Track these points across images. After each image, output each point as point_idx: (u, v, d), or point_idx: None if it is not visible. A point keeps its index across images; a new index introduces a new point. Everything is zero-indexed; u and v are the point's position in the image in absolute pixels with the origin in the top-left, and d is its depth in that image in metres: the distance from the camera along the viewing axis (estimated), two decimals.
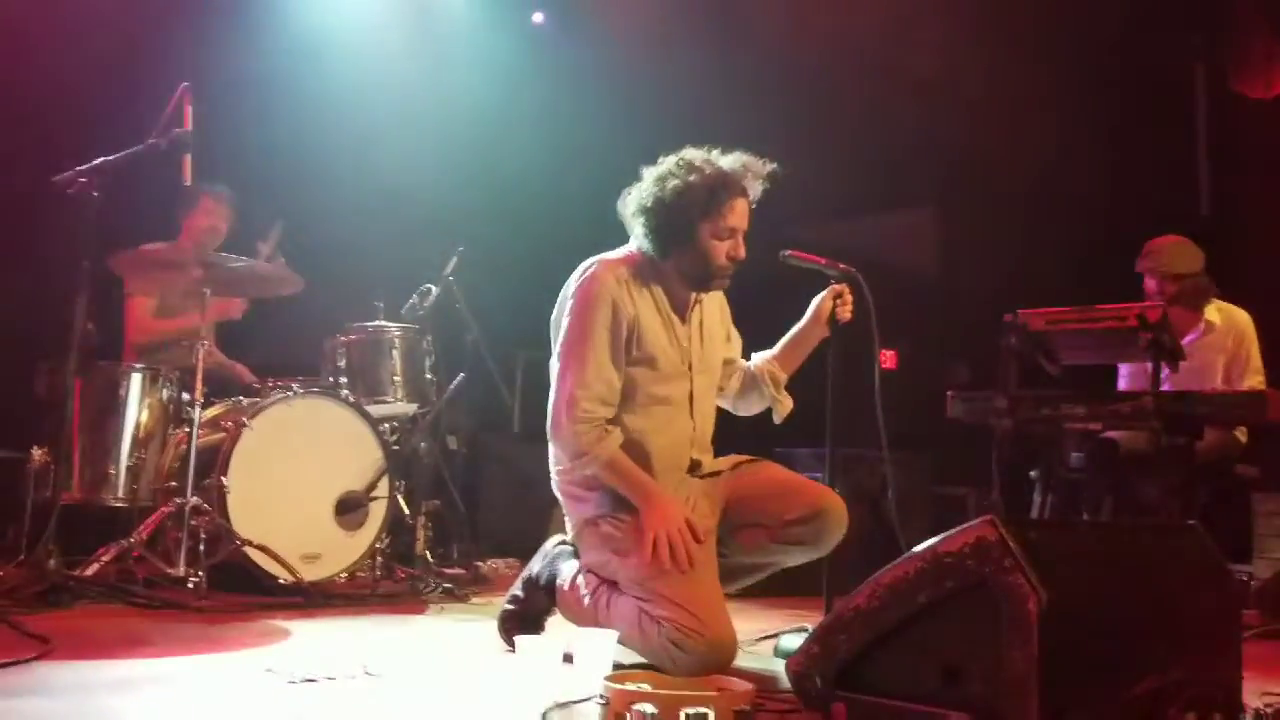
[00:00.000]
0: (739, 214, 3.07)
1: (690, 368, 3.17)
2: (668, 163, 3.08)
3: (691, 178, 3.02)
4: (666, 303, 3.14)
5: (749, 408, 3.41)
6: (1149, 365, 3.96)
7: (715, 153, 3.08)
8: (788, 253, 3.22)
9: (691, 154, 3.07)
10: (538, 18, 6.84)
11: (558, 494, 3.21)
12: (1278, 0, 5.88)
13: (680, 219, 3.02)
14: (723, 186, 3.03)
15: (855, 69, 6.49)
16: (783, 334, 3.37)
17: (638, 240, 3.12)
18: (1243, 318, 4.67)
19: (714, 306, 3.30)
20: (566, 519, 3.20)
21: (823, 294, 3.27)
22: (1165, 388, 4.05)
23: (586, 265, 3.15)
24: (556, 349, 3.11)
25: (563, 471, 3.14)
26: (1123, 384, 4.85)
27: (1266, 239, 5.70)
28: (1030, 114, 6.03)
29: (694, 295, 3.19)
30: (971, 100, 6.15)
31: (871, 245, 6.22)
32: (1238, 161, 6.08)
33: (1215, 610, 2.41)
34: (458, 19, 7.25)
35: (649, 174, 3.09)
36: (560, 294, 3.19)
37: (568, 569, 3.14)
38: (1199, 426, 3.92)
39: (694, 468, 3.21)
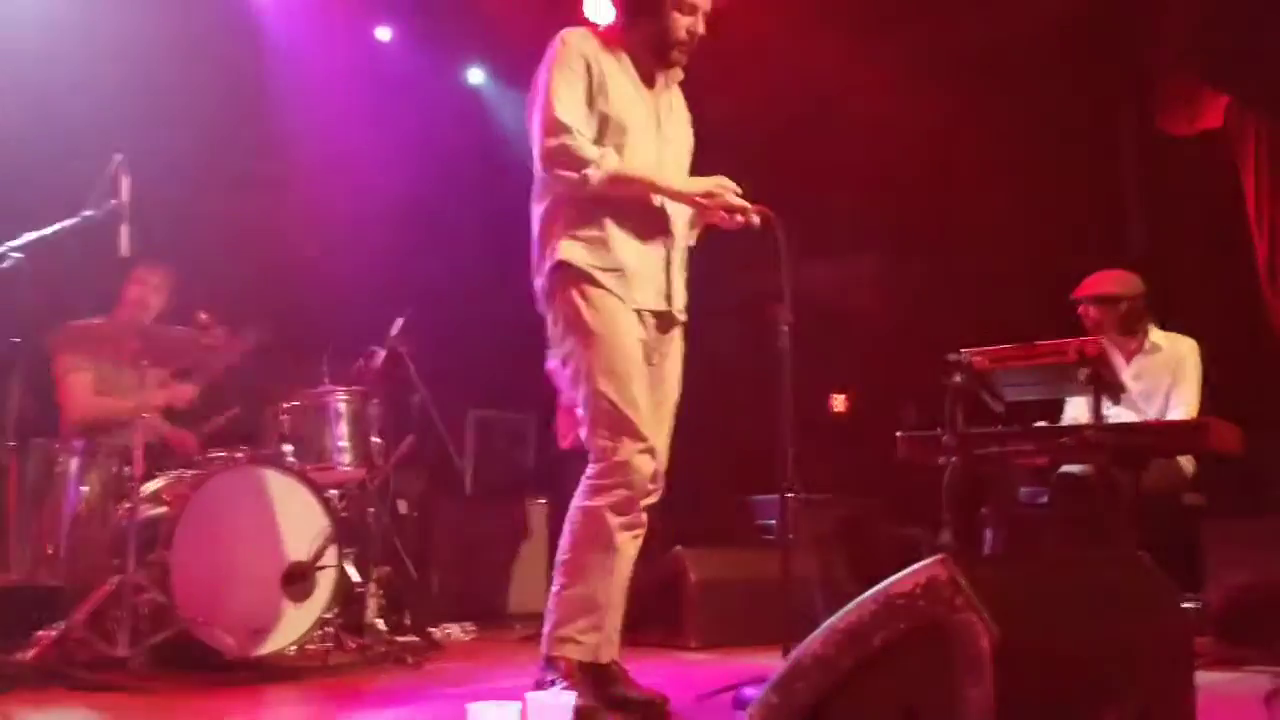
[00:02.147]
0: None
1: (656, 132, 3.25)
2: None
3: None
4: (633, 69, 3.25)
5: None
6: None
7: None
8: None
9: None
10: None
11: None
12: (1196, 40, 6.05)
13: None
14: None
15: (796, 116, 6.60)
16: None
17: (607, 16, 3.20)
18: (1187, 343, 4.75)
19: (681, 105, 3.41)
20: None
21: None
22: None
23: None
24: (535, 104, 3.17)
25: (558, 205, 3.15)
26: (1068, 417, 4.90)
27: (1196, 276, 5.83)
28: (966, 157, 6.15)
29: (659, 74, 3.29)
30: (910, 146, 6.26)
31: (819, 291, 6.28)
32: (1167, 199, 6.22)
33: (1168, 639, 2.42)
34: (401, 81, 7.29)
35: None
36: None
37: None
38: (1143, 457, 3.96)
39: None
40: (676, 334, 3.33)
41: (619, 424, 3.06)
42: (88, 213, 3.92)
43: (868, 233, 6.95)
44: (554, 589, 3.13)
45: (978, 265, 6.17)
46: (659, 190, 3.16)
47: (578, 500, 3.11)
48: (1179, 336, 4.77)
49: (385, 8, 7.19)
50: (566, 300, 3.12)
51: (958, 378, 4.16)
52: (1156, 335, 4.74)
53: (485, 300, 6.78)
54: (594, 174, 3.05)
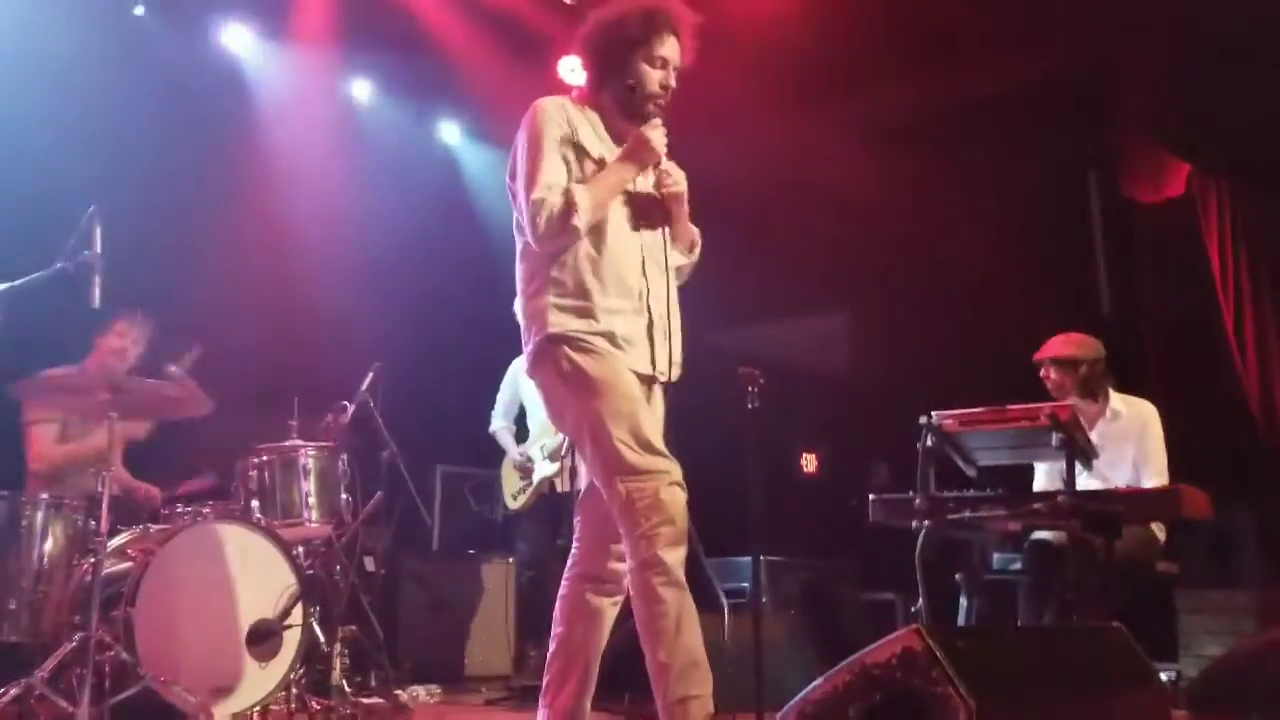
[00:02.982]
0: (670, 47, 3.20)
1: (635, 188, 3.21)
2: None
3: (629, 6, 3.19)
4: (605, 132, 3.24)
5: None
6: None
7: None
8: None
9: None
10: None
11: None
12: (1159, 107, 6.18)
13: (617, 44, 3.19)
14: (658, 17, 3.19)
15: (765, 179, 6.67)
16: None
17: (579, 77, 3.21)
18: (1147, 408, 4.78)
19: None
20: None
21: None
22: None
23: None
24: (514, 176, 3.17)
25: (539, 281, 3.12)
26: (1040, 483, 4.92)
27: (1165, 337, 5.91)
28: (939, 219, 6.23)
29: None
30: (883, 207, 6.34)
31: (787, 350, 6.32)
32: (1134, 262, 6.32)
33: (1144, 711, 2.41)
34: (373, 134, 7.33)
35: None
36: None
37: None
38: (1115, 524, 3.97)
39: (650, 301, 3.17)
40: (657, 394, 3.27)
41: (638, 465, 2.97)
42: (60, 264, 3.89)
43: (839, 293, 7.00)
44: (652, 659, 2.96)
45: (949, 326, 6.22)
46: (616, 175, 3.13)
47: (631, 563, 2.97)
48: (1138, 400, 4.79)
49: (362, 64, 7.22)
50: (560, 363, 3.08)
51: (929, 440, 4.17)
52: (1116, 400, 4.77)
53: (454, 356, 6.77)
54: (580, 219, 3.03)
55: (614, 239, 3.13)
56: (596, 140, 3.20)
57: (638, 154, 3.14)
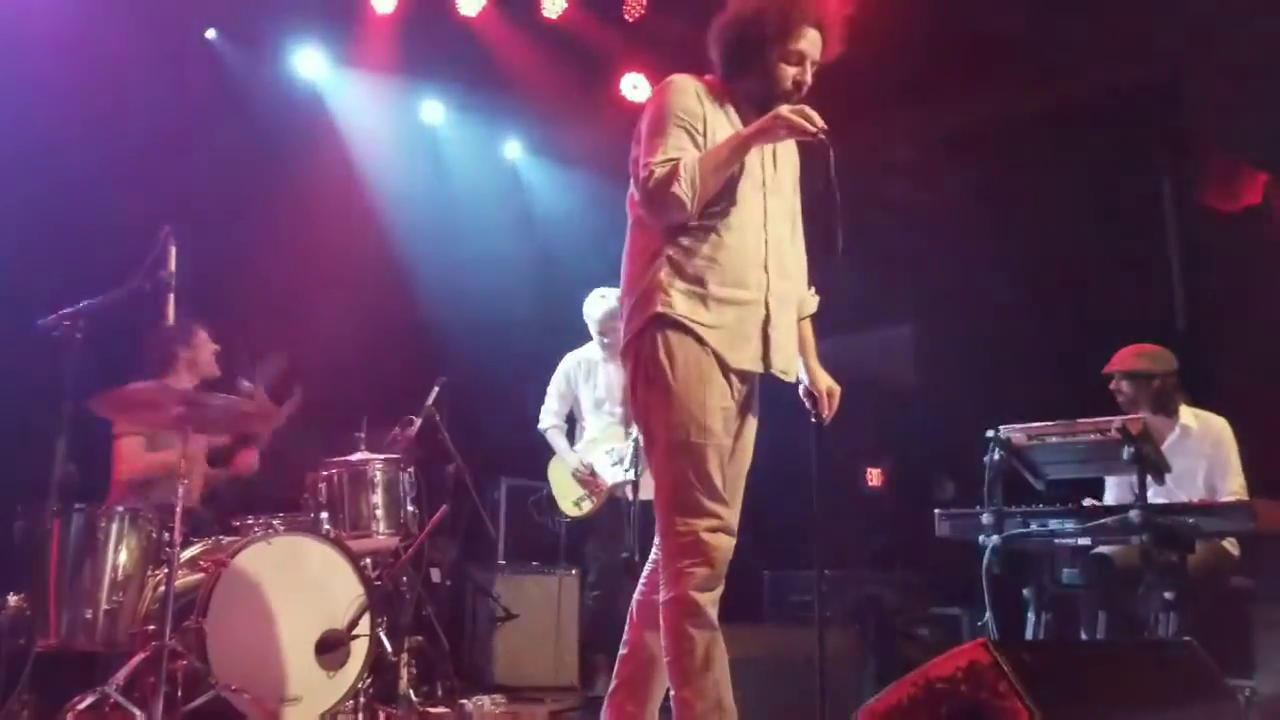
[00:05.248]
0: (810, 41, 3.07)
1: (763, 183, 3.10)
2: None
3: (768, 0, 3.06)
4: (739, 121, 3.10)
5: None
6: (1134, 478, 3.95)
7: None
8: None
9: None
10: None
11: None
12: (1236, 115, 6.06)
13: (752, 38, 3.06)
14: (795, 11, 3.05)
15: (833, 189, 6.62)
16: None
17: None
18: (1219, 423, 4.67)
19: (788, 150, 3.24)
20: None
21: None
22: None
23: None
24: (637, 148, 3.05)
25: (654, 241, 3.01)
26: (1110, 496, 4.83)
27: (1240, 349, 5.76)
28: (1010, 229, 6.15)
29: None
30: (953, 218, 6.27)
31: (854, 363, 6.27)
32: (1209, 273, 6.18)
33: None
34: (440, 153, 7.43)
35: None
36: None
37: None
38: (1188, 539, 3.88)
39: (770, 299, 3.06)
40: (754, 392, 3.15)
41: (692, 501, 2.90)
42: (136, 282, 4.00)
43: (906, 305, 6.94)
44: (676, 694, 2.91)
45: (1017, 338, 6.14)
46: (730, 147, 2.97)
47: (664, 595, 2.93)
48: (1209, 415, 4.69)
49: (430, 85, 7.32)
50: (654, 354, 2.94)
51: (997, 454, 4.12)
52: (1186, 415, 4.66)
53: (517, 370, 6.83)
54: (682, 188, 2.90)
55: (740, 229, 3.03)
56: (728, 125, 3.08)
57: (766, 129, 2.95)
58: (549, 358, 5.78)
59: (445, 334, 6.68)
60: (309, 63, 6.83)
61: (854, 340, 6.75)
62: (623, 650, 3.15)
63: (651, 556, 3.13)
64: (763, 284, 3.05)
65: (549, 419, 5.67)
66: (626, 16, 6.57)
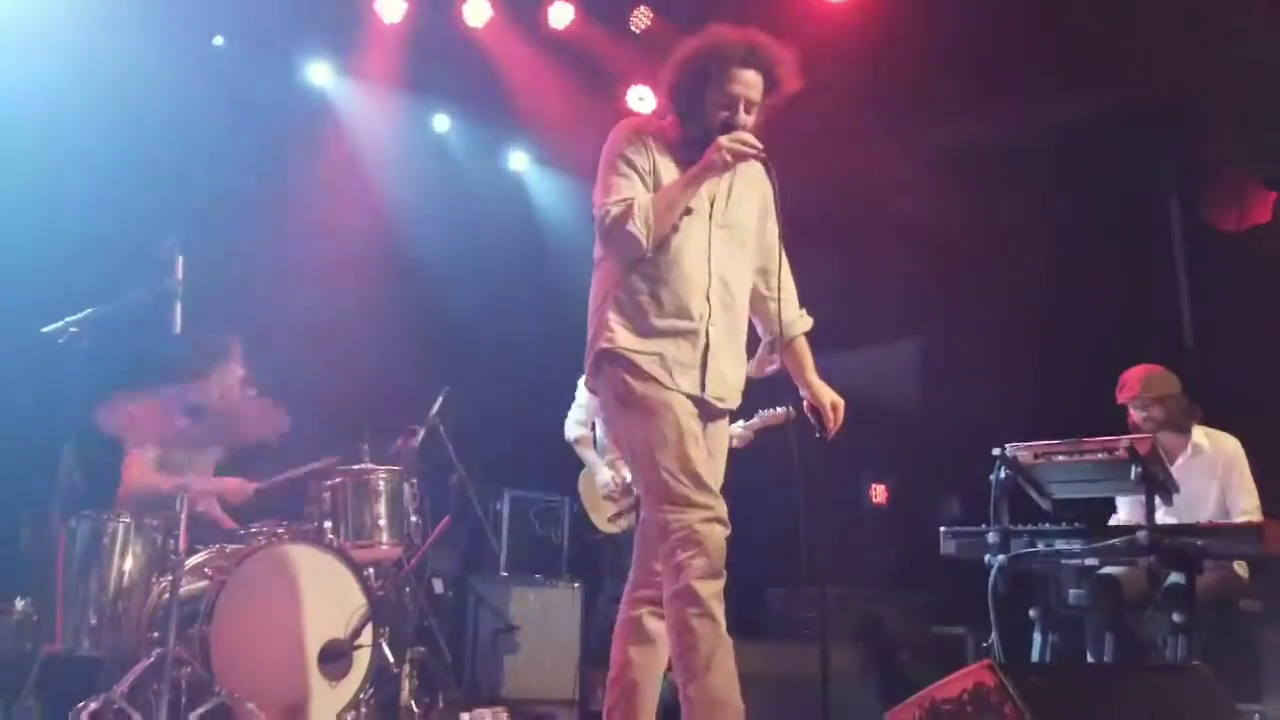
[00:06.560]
0: (744, 83, 3.15)
1: (710, 217, 3.20)
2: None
3: (707, 42, 3.18)
4: (685, 161, 3.19)
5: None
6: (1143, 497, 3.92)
7: (752, 29, 3.19)
8: None
9: (720, 27, 3.20)
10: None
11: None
12: (1245, 133, 6.05)
13: (687, 83, 3.19)
14: (720, 57, 3.15)
15: (835, 204, 6.63)
16: None
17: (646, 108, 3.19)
18: (1231, 443, 4.64)
19: (753, 183, 3.31)
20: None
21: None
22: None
23: None
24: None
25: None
26: (1120, 515, 4.80)
27: (1248, 368, 5.74)
28: (1014, 246, 6.14)
29: None
30: (953, 236, 6.27)
31: (856, 380, 6.26)
32: (1217, 293, 6.17)
33: None
34: (446, 164, 7.43)
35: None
36: None
37: None
38: (1196, 561, 3.85)
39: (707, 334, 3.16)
40: (723, 426, 3.28)
41: (679, 495, 2.99)
42: (142, 291, 4.00)
43: (911, 322, 6.93)
44: (683, 691, 2.94)
45: (1023, 357, 6.12)
46: (680, 186, 3.11)
47: (666, 593, 2.98)
48: (1221, 435, 4.66)
49: (437, 97, 7.32)
50: (613, 379, 3.13)
51: (1003, 472, 4.10)
52: (1198, 435, 4.64)
53: (522, 381, 6.83)
54: (636, 226, 3.06)
55: (683, 261, 3.15)
56: (673, 166, 3.20)
57: (710, 161, 3.09)
58: (554, 369, 5.77)
59: (449, 344, 6.67)
60: (316, 72, 6.84)
61: (859, 356, 6.75)
62: (611, 672, 3.18)
63: (630, 578, 3.21)
64: (704, 314, 3.17)
65: (575, 429, 5.61)
66: (633, 28, 6.58)
